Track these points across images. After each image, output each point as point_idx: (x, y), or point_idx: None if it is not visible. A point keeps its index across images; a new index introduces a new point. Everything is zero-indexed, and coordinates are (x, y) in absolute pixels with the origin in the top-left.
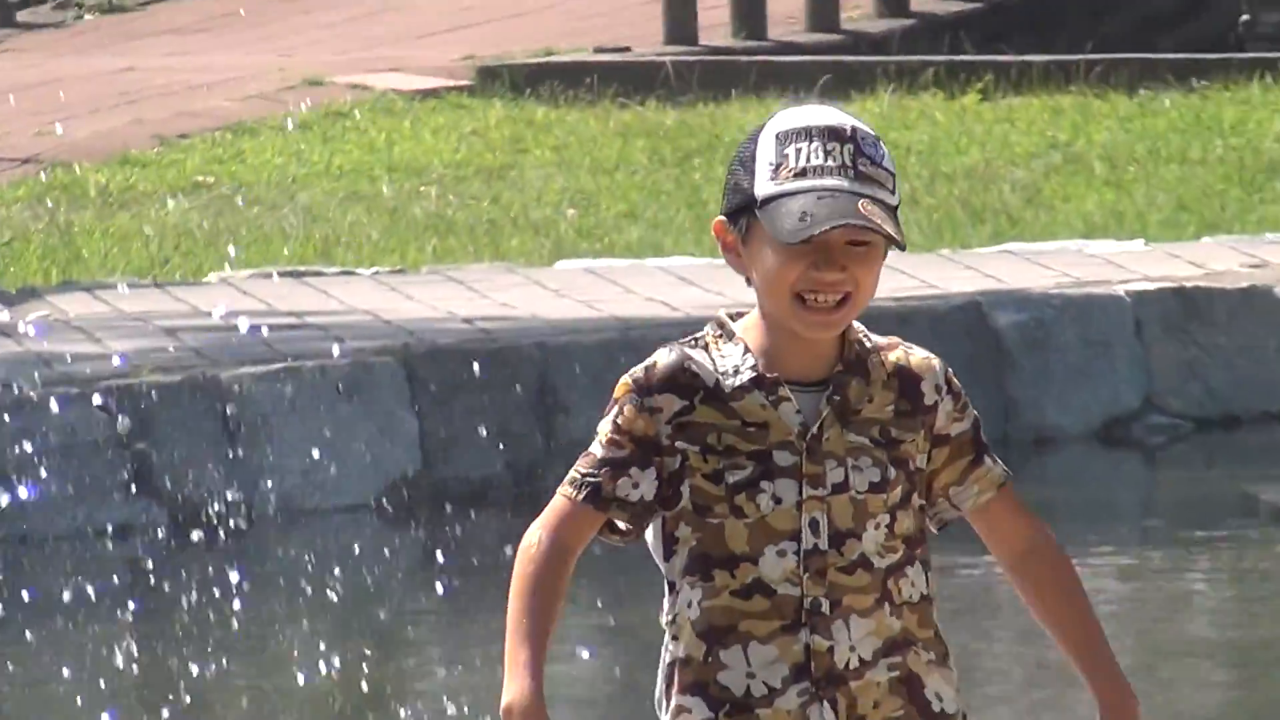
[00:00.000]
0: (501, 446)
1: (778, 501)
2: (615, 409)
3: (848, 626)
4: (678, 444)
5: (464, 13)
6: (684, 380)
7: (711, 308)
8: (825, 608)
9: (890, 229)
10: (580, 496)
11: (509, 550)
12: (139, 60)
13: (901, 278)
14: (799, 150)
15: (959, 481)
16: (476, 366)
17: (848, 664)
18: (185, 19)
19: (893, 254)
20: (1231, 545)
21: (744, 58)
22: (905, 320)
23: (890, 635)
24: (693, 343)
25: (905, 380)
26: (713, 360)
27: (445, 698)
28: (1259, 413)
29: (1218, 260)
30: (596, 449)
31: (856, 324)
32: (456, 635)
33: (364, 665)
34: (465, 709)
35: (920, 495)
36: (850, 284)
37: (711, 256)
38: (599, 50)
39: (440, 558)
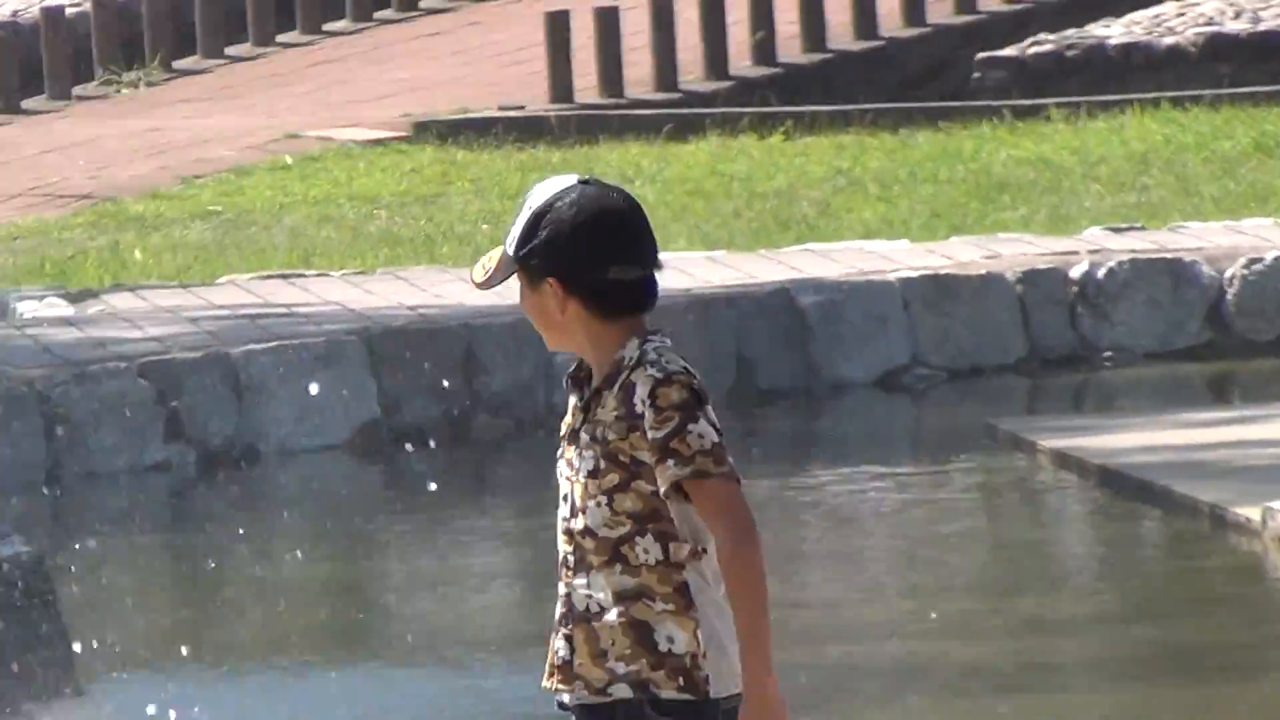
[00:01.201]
0: (438, 400)
1: (560, 473)
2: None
3: (587, 578)
4: None
5: (400, 82)
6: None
7: None
8: (571, 562)
9: (486, 274)
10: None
11: (447, 475)
12: (164, 122)
13: (730, 271)
14: None
15: (657, 472)
16: (419, 341)
17: (587, 607)
18: (196, 92)
19: (723, 252)
20: (976, 462)
21: (608, 111)
22: (732, 303)
23: (622, 589)
24: None
25: (628, 393)
26: None
27: (413, 580)
28: (995, 365)
29: (963, 254)
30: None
31: (642, 345)
32: (411, 536)
33: (347, 560)
34: (430, 588)
35: (651, 481)
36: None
37: None
38: (502, 108)
39: (396, 482)
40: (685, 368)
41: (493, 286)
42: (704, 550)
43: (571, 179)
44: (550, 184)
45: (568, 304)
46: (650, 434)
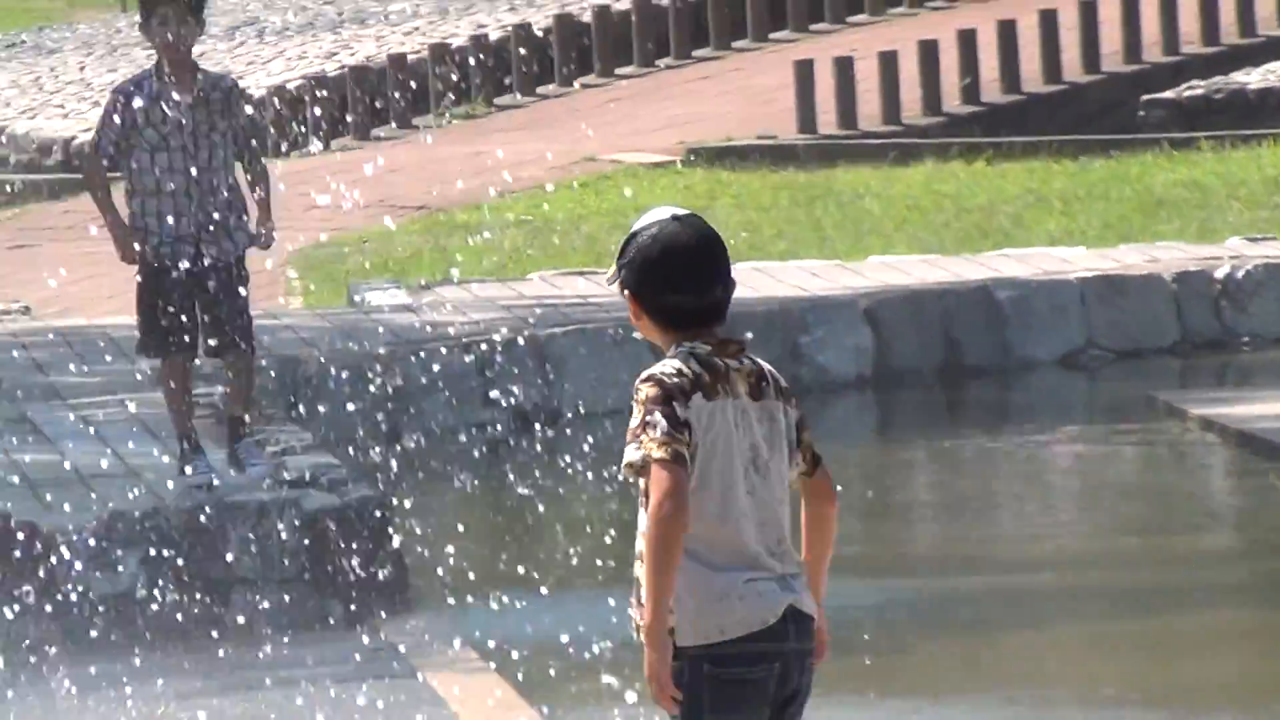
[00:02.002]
0: None
1: None
2: None
3: None
4: None
5: (677, 116)
6: None
7: (810, 290)
8: None
9: (610, 276)
10: None
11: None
12: (485, 147)
13: (940, 271)
14: None
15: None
16: None
17: None
18: (510, 123)
19: (936, 255)
20: (1138, 426)
21: (844, 141)
22: (943, 297)
23: (635, 552)
24: None
25: None
26: None
27: None
28: (1153, 348)
29: (1129, 258)
30: None
31: (675, 349)
32: None
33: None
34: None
35: None
36: None
37: (827, 259)
38: (759, 137)
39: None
40: (678, 369)
41: (610, 285)
42: None
43: (668, 212)
44: (654, 212)
45: (641, 315)
46: (630, 422)
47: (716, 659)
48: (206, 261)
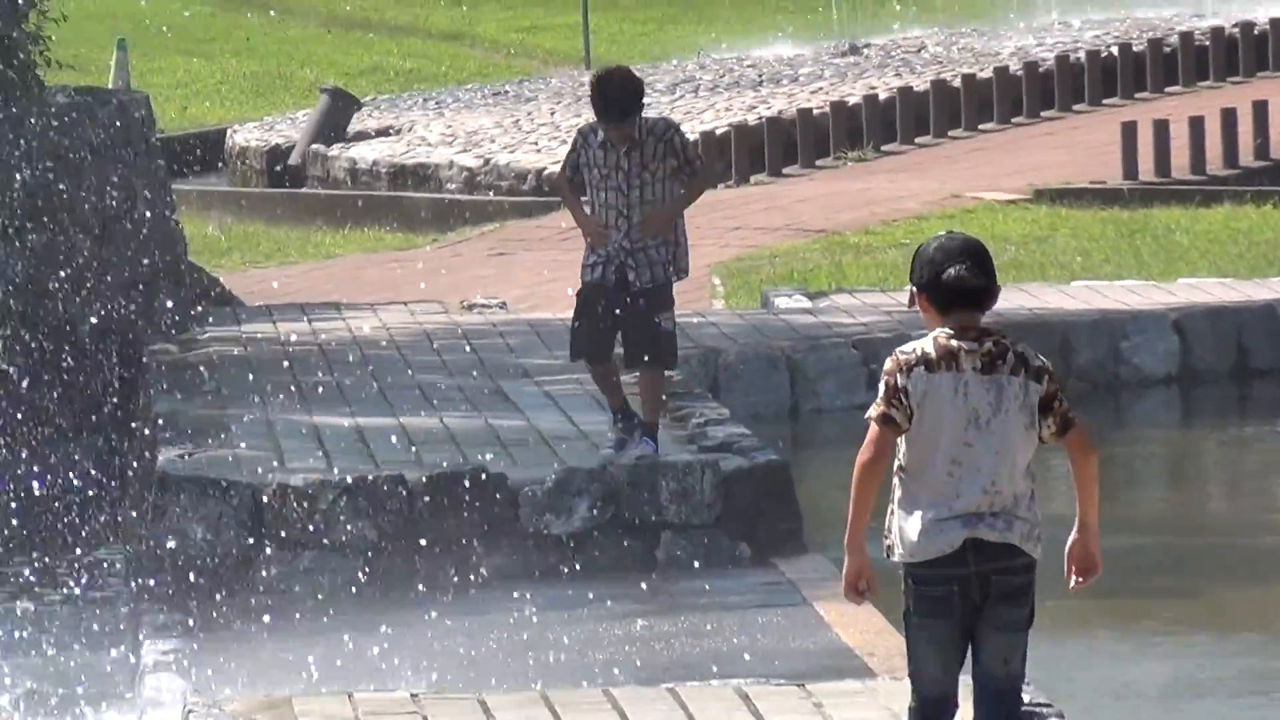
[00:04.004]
0: None
1: None
2: None
3: None
4: None
5: (1025, 164)
6: None
7: (1129, 304)
8: None
9: None
10: None
11: None
12: (872, 185)
13: (1234, 292)
14: None
15: None
16: (1024, 332)
17: None
18: (894, 165)
19: (1231, 279)
20: None
21: (1159, 186)
22: (1236, 312)
23: None
24: None
25: None
26: None
27: None
28: None
29: None
30: None
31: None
32: None
33: None
34: None
35: None
36: None
37: (1143, 279)
38: (1091, 182)
39: None
40: (915, 348)
41: (910, 306)
42: (903, 467)
43: (944, 231)
44: (937, 234)
45: (926, 307)
46: None
47: (914, 575)
48: (631, 277)
